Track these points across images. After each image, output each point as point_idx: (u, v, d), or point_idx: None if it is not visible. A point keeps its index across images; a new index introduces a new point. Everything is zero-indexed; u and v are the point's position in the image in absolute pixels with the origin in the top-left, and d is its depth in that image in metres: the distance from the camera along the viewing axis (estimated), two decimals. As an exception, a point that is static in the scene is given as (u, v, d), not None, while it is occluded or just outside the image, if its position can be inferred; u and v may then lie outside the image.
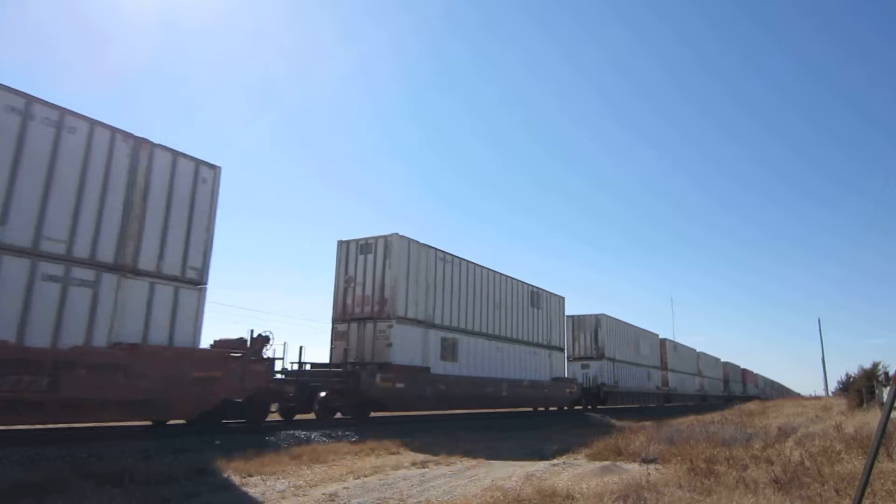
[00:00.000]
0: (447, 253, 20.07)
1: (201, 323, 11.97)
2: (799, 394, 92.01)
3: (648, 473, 7.46)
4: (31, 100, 9.70)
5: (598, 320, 33.45)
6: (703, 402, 50.48)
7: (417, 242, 18.68)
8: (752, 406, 36.98)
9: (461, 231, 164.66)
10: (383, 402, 16.33)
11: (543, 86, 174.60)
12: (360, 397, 15.72)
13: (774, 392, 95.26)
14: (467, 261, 21.19)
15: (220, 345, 12.83)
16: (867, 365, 28.07)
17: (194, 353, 11.56)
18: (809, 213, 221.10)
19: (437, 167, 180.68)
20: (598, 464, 9.43)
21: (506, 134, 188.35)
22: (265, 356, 13.39)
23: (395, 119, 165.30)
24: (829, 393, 50.13)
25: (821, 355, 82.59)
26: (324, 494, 7.08)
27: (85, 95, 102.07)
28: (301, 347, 15.44)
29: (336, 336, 18.02)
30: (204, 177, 12.47)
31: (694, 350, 54.11)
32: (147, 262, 11.22)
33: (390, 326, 17.08)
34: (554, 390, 26.34)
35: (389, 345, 16.94)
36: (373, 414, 17.42)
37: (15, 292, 9.18)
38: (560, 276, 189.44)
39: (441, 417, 20.15)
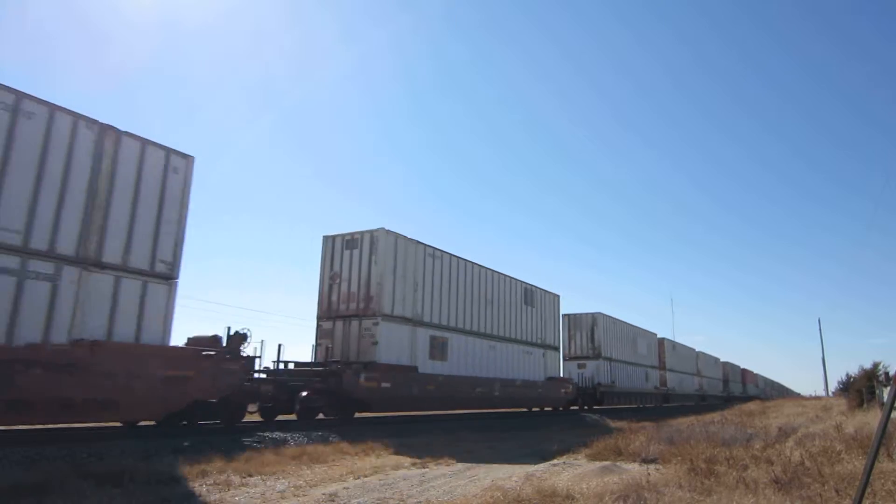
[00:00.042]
0: (436, 248, 19.51)
1: (172, 319, 11.41)
2: (799, 394, 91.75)
3: (648, 473, 7.46)
4: (-18, 83, 9.17)
5: (594, 319, 32.88)
6: (701, 403, 49.94)
7: (405, 237, 18.13)
8: (752, 406, 36.80)
9: (461, 231, 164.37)
10: (367, 403, 15.77)
11: (543, 86, 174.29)
12: (343, 397, 15.17)
13: (774, 392, 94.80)
14: (458, 257, 20.63)
15: (193, 342, 12.29)
16: (867, 365, 28.09)
17: (163, 350, 11.00)
18: (809, 213, 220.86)
19: (437, 167, 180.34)
20: (598, 464, 9.44)
21: (506, 134, 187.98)
22: (242, 354, 12.87)
23: (395, 119, 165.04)
24: (830, 393, 49.92)
25: (821, 355, 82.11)
26: (324, 494, 7.12)
27: (85, 95, 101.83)
28: (280, 345, 14.85)
29: (321, 334, 17.48)
30: (175, 166, 11.92)
31: (693, 350, 53.54)
32: (112, 254, 10.67)
33: (376, 324, 16.53)
34: (548, 390, 25.76)
35: (375, 343, 16.39)
36: (371, 415, 17.00)
37: (-36, 285, 8.65)
38: (560, 275, 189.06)
39: (441, 417, 19.95)
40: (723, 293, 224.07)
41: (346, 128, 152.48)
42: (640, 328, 39.65)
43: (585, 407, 30.75)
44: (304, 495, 7.13)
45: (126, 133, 11.12)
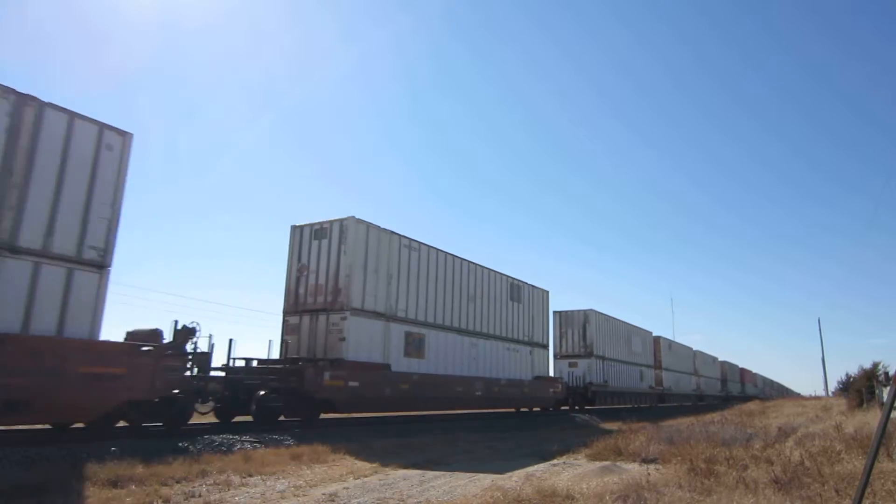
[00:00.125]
0: (413, 239, 18.41)
1: (102, 311, 10.29)
2: (799, 394, 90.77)
3: (648, 473, 7.49)
4: None
5: (586, 316, 31.78)
6: (699, 403, 48.85)
7: (378, 227, 17.04)
8: (751, 406, 36.15)
9: (461, 231, 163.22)
10: (333, 403, 14.64)
11: (543, 86, 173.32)
12: (304, 397, 14.06)
13: (774, 392, 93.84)
14: (437, 249, 19.52)
15: (132, 337, 11.18)
16: (867, 365, 27.74)
17: (88, 345, 9.88)
18: (809, 213, 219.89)
19: (437, 167, 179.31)
20: (598, 464, 9.48)
21: (506, 134, 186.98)
22: (188, 350, 11.78)
23: (395, 119, 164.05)
24: (829, 393, 49.27)
25: (821, 355, 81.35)
26: (324, 494, 7.10)
27: (85, 95, 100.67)
28: (231, 340, 13.71)
29: (287, 329, 16.38)
30: (109, 143, 10.80)
31: (690, 348, 52.44)
32: (31, 238, 9.55)
33: (344, 319, 15.42)
34: (535, 390, 24.62)
35: (343, 339, 15.28)
36: (372, 415, 16.19)
37: None
38: (560, 275, 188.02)
39: (441, 417, 19.71)
40: (722, 293, 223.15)
41: (346, 128, 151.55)
42: (634, 326, 38.55)
43: (576, 407, 29.64)
44: (304, 495, 7.04)
45: (49, 104, 10.02)
